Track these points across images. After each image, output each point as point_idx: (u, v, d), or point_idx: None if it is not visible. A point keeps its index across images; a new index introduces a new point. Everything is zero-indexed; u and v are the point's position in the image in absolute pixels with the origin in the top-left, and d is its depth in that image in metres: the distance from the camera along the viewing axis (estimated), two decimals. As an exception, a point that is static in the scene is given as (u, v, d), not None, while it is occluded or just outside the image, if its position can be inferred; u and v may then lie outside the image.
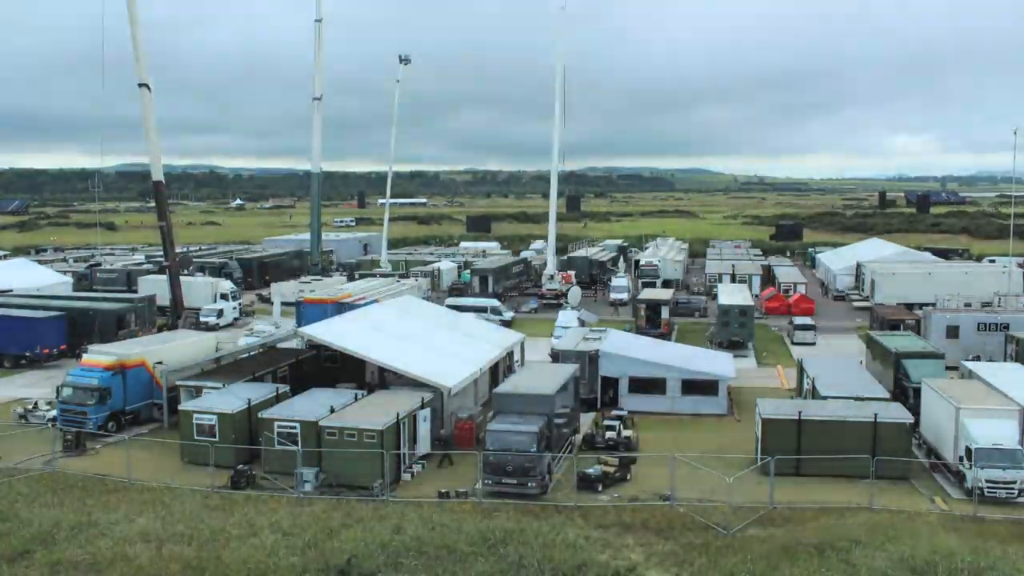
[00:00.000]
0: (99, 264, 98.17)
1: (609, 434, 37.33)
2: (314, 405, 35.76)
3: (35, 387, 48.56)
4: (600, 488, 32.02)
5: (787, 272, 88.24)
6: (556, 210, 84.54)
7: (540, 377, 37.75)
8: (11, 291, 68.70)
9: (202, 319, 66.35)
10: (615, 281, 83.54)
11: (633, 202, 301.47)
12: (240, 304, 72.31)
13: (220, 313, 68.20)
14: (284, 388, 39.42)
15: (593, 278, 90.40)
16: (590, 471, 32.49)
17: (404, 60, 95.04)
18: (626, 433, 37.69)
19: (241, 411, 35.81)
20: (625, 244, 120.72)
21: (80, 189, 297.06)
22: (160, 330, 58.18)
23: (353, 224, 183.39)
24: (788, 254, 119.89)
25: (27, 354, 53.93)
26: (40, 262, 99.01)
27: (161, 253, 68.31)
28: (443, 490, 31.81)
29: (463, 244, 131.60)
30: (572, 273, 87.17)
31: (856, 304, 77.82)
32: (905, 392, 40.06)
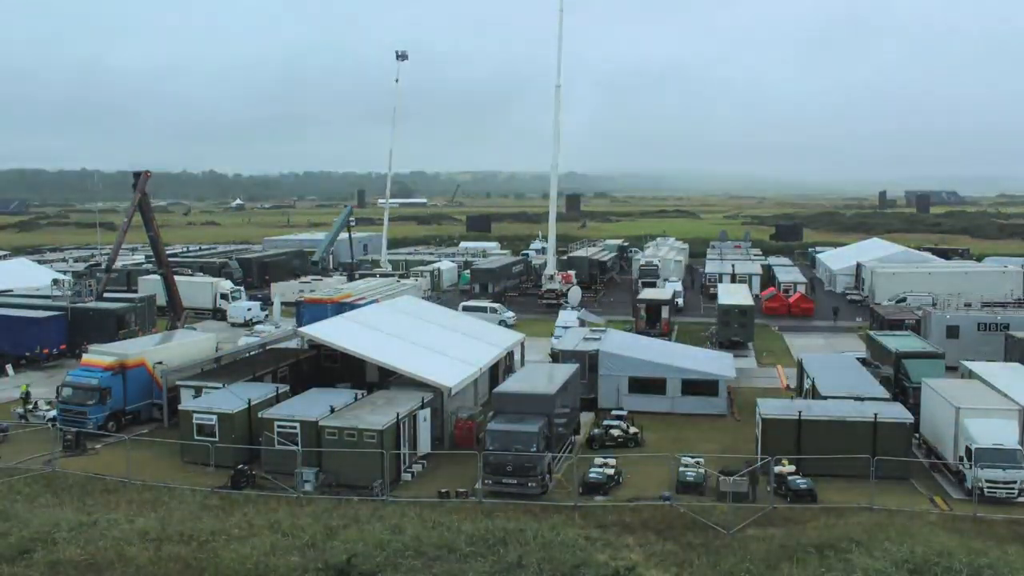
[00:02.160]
0: (99, 264, 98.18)
1: (615, 432, 37.47)
2: (314, 405, 35.76)
3: (35, 387, 48.47)
4: (604, 493, 31.96)
5: (787, 272, 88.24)
6: (556, 210, 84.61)
7: (540, 377, 37.76)
8: (11, 291, 68.70)
9: (230, 319, 67.68)
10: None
11: (633, 202, 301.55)
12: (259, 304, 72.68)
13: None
14: (284, 388, 39.43)
15: (593, 278, 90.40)
16: (592, 475, 32.49)
17: (401, 56, 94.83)
18: (634, 429, 37.84)
19: (241, 411, 35.79)
20: (625, 244, 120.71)
21: (80, 189, 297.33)
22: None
23: (353, 224, 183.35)
24: (795, 253, 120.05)
25: (27, 354, 53.92)
26: (39, 262, 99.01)
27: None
28: (443, 490, 31.80)
29: (463, 244, 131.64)
30: (572, 273, 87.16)
31: (850, 297, 78.80)
32: (905, 392, 40.03)
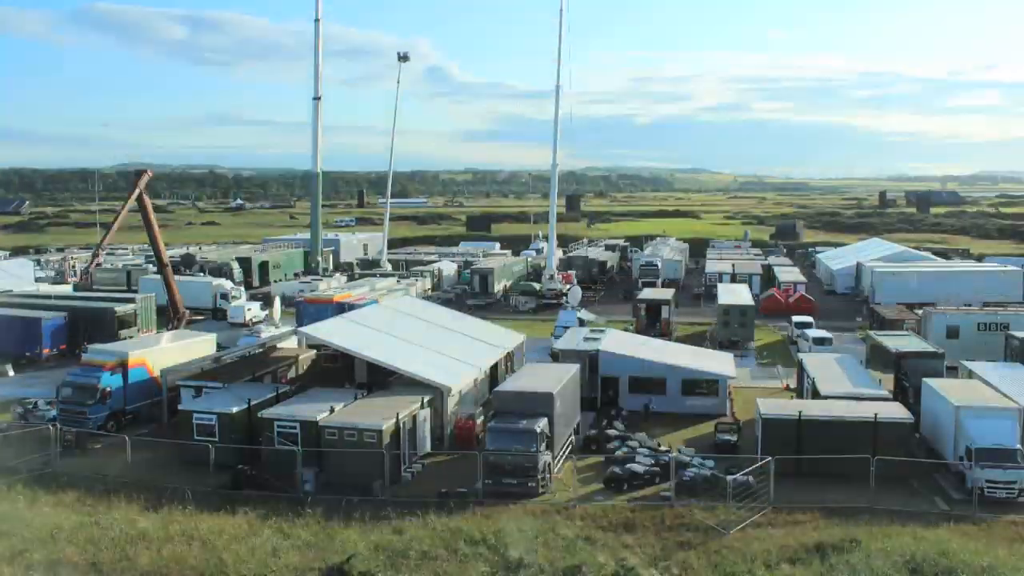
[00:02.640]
0: (99, 264, 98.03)
1: (613, 432, 37.56)
2: (314, 405, 35.76)
3: (35, 387, 48.50)
4: (625, 488, 32.06)
5: (787, 272, 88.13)
6: (556, 210, 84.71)
7: (540, 377, 37.76)
8: (11, 291, 68.71)
9: (231, 319, 67.53)
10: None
11: (633, 202, 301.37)
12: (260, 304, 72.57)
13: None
14: (284, 388, 39.43)
15: (593, 278, 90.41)
16: (619, 470, 32.61)
17: (403, 58, 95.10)
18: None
19: (241, 411, 35.80)
20: (625, 244, 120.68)
21: (80, 189, 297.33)
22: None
23: (353, 224, 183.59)
24: (783, 250, 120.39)
25: (27, 354, 53.94)
26: (37, 262, 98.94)
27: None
28: (443, 490, 31.81)
29: (463, 244, 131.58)
30: (572, 273, 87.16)
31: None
32: (905, 392, 40.03)
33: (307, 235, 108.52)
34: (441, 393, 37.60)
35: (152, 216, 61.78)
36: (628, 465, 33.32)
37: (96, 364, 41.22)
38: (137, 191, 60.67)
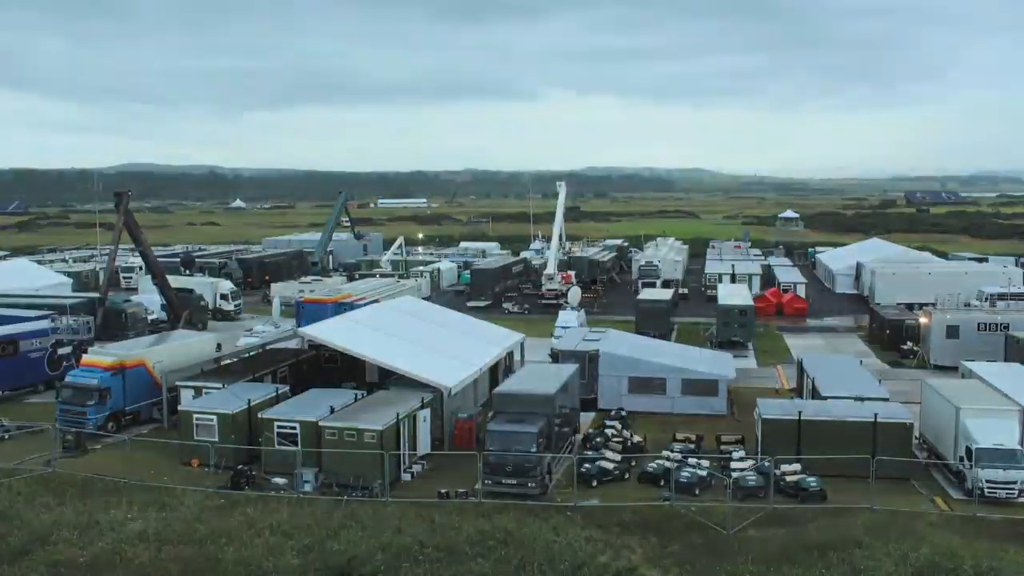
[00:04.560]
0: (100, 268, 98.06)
1: (610, 433, 37.53)
2: (314, 405, 35.75)
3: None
4: (595, 484, 32.18)
5: (787, 272, 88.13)
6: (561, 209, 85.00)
7: (540, 377, 37.74)
8: (12, 292, 68.57)
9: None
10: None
11: (633, 202, 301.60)
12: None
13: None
14: (284, 388, 39.42)
15: (593, 278, 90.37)
16: (587, 468, 32.78)
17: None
18: (637, 438, 37.60)
19: (241, 411, 35.79)
20: (625, 244, 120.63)
21: (80, 189, 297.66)
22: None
23: (346, 223, 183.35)
24: (783, 250, 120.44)
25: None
26: (39, 263, 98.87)
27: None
28: (443, 490, 31.80)
29: (463, 244, 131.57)
30: (572, 273, 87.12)
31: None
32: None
33: (305, 235, 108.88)
34: (441, 393, 37.59)
35: (141, 234, 60.76)
36: (598, 462, 33.43)
37: (96, 364, 41.20)
38: (122, 217, 59.43)
